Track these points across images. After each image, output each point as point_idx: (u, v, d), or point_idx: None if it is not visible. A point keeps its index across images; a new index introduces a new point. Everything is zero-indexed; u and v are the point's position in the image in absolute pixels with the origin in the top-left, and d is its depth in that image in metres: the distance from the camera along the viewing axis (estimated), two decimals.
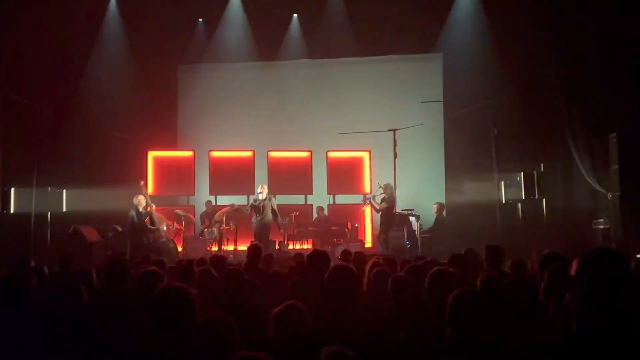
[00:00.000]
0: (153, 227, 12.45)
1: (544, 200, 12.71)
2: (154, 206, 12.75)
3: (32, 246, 11.89)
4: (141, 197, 12.50)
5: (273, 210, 12.94)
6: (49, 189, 13.00)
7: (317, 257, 5.02)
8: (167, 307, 3.18)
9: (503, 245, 6.50)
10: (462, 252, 6.73)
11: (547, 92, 13.13)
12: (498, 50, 13.40)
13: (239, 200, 14.16)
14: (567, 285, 2.25)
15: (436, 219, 13.83)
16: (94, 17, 14.25)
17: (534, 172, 12.67)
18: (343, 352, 2.73)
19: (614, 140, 11.48)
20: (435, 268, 4.40)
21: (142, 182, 13.00)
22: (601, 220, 11.93)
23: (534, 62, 13.16)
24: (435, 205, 13.90)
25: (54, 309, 3.55)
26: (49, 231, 12.80)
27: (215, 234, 13.25)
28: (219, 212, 13.49)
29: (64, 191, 13.16)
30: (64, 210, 13.12)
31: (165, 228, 13.05)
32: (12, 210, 12.33)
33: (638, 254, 6.95)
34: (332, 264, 4.61)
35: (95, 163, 13.69)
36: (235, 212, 13.19)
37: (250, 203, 13.12)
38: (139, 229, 12.32)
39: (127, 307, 4.16)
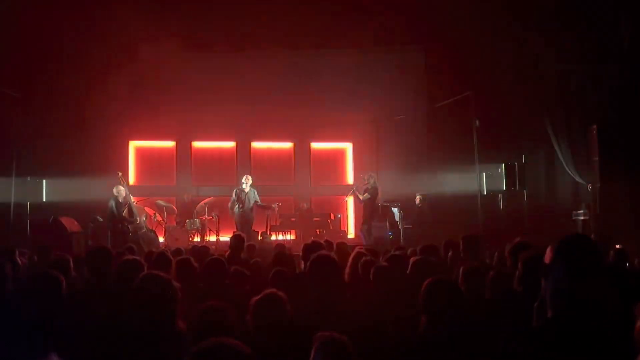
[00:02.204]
0: (132, 219, 12.35)
1: (524, 191, 12.82)
2: (132, 198, 12.66)
3: (12, 236, 11.74)
4: (121, 187, 12.39)
5: (255, 201, 12.95)
6: (29, 178, 12.85)
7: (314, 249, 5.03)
8: (148, 296, 3.16)
9: (484, 236, 6.56)
10: (434, 244, 6.79)
11: (529, 84, 13.19)
12: (480, 42, 13.43)
13: (221, 191, 14.16)
14: (541, 272, 2.26)
15: (418, 210, 13.88)
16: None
17: (515, 163, 12.78)
18: (337, 338, 2.74)
19: (594, 132, 11.59)
20: (418, 257, 4.43)
21: (120, 174, 12.87)
22: (581, 211, 12.05)
23: (516, 54, 13.22)
24: (417, 197, 13.96)
25: (32, 298, 3.51)
26: (28, 221, 12.67)
27: (198, 224, 13.21)
28: (201, 203, 13.47)
29: (44, 181, 13.00)
30: (44, 200, 12.97)
31: (145, 219, 12.98)
32: None
33: (617, 244, 7.04)
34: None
35: (75, 153, 13.51)
36: (217, 203, 13.21)
37: (234, 193, 13.06)
38: (118, 219, 12.22)
39: (107, 296, 4.13)
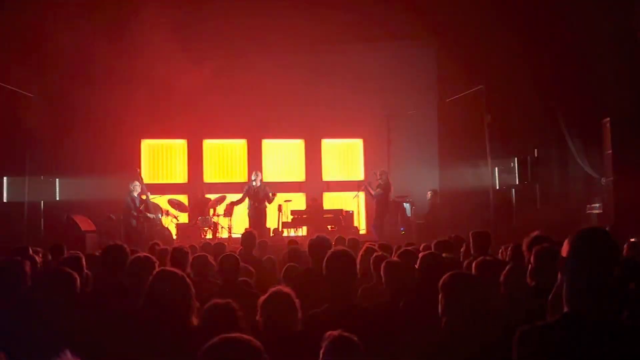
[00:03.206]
0: (149, 215, 12.46)
1: (537, 185, 12.73)
2: (149, 194, 12.78)
3: (26, 235, 11.84)
4: (137, 183, 12.51)
5: (267, 197, 12.94)
6: (42, 177, 12.94)
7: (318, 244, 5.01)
8: (162, 292, 3.17)
9: (497, 231, 6.51)
10: (447, 239, 6.76)
11: (541, 78, 13.09)
12: (492, 35, 13.34)
13: (232, 188, 14.20)
14: (558, 266, 2.23)
15: (430, 205, 13.85)
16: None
17: (528, 157, 12.68)
18: (347, 337, 2.72)
19: (607, 125, 11.49)
20: (427, 252, 4.40)
21: (139, 170, 13.05)
22: (595, 205, 11.96)
23: (528, 48, 13.12)
24: (429, 192, 13.93)
25: (47, 296, 3.53)
26: (42, 220, 12.76)
27: (210, 221, 13.26)
28: (213, 200, 13.53)
29: (57, 180, 13.09)
30: (57, 198, 13.06)
31: (160, 216, 13.05)
32: (4, 199, 12.26)
33: (632, 238, 6.97)
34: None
35: (88, 152, 13.59)
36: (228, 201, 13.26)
37: (244, 190, 13.09)
38: (134, 215, 12.34)
39: (122, 293, 4.15)
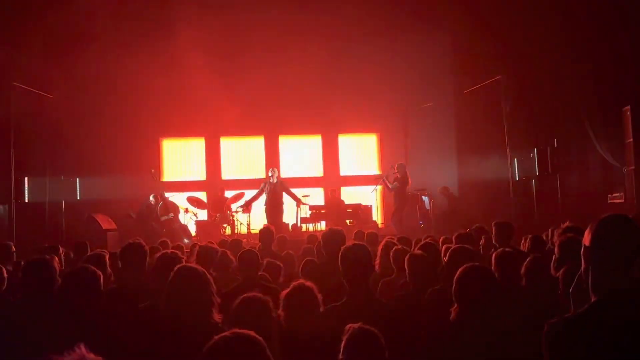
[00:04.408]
0: (162, 218, 12.69)
1: (557, 175, 12.58)
2: (165, 194, 12.99)
3: (47, 234, 11.99)
4: (154, 196, 12.98)
5: (285, 193, 12.98)
6: (62, 177, 13.08)
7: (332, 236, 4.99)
8: (183, 288, 3.19)
9: (517, 223, 6.45)
10: (468, 230, 6.73)
11: (560, 67, 12.93)
12: (509, 25, 13.20)
13: (250, 184, 14.25)
14: (583, 255, 2.18)
15: (449, 198, 13.80)
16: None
17: (548, 147, 12.53)
18: (367, 329, 2.72)
19: (628, 113, 11.32)
20: (455, 245, 4.38)
21: (153, 170, 13.16)
22: (617, 194, 11.80)
23: (546, 37, 12.96)
24: (439, 188, 13.93)
25: (71, 293, 3.57)
26: (63, 219, 12.92)
27: (229, 218, 13.34)
28: (231, 197, 13.62)
29: (77, 180, 13.22)
30: (78, 198, 13.20)
31: (178, 214, 13.17)
32: (26, 200, 12.43)
33: None
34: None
35: (107, 152, 13.73)
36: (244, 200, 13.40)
37: (261, 186, 13.14)
38: (153, 215, 12.57)
39: (144, 290, 4.19)
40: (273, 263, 5.64)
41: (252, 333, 2.03)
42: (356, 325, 2.73)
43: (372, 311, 3.33)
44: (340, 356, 2.66)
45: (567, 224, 4.76)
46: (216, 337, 2.00)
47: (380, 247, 5.70)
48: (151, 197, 12.97)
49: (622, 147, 11.65)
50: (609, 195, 12.00)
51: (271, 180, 12.93)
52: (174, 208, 13.11)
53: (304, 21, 14.00)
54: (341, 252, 3.65)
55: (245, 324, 2.23)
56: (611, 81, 12.00)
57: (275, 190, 12.87)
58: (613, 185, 12.25)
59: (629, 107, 11.31)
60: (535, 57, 13.02)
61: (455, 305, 3.17)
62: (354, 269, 3.55)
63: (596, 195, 12.52)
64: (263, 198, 13.01)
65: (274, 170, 13.10)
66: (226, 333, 2.01)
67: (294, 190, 13.35)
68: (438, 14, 14.21)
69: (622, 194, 11.64)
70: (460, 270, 3.21)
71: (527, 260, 4.33)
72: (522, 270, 4.35)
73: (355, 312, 3.15)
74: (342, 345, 2.69)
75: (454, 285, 3.19)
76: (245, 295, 3.35)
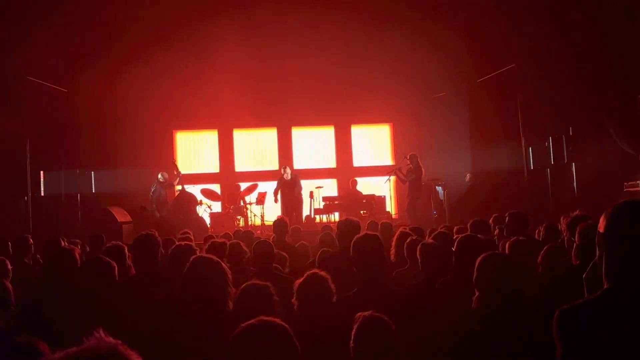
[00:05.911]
0: (185, 207, 12.82)
1: (573, 164, 12.46)
2: (182, 187, 13.11)
3: (63, 227, 12.09)
4: (165, 173, 12.94)
5: (299, 186, 13.08)
6: (77, 171, 13.18)
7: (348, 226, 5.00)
8: (199, 278, 3.20)
9: (532, 212, 6.41)
10: (481, 219, 6.70)
11: (575, 55, 12.78)
12: (522, 13, 13.05)
13: (263, 176, 14.31)
14: (597, 241, 2.16)
15: (468, 188, 13.77)
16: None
17: (563, 136, 12.41)
18: (378, 317, 2.72)
19: None
20: (464, 234, 4.36)
21: (175, 161, 13.45)
22: (633, 182, 11.68)
23: (562, 25, 12.81)
24: (468, 174, 13.88)
25: (86, 284, 3.60)
26: (79, 212, 13.03)
27: (242, 210, 13.39)
28: (245, 189, 13.67)
29: (92, 173, 13.32)
30: (93, 191, 13.29)
31: (197, 206, 13.28)
32: (42, 193, 12.54)
33: None
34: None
35: (122, 145, 13.82)
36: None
37: (277, 183, 13.29)
38: (170, 207, 12.72)
39: (158, 281, 4.21)
40: (279, 254, 5.66)
41: (278, 320, 2.04)
42: (367, 313, 2.74)
43: (382, 300, 3.35)
44: (351, 343, 2.67)
45: (576, 212, 4.73)
46: (243, 325, 2.00)
47: (395, 238, 5.70)
48: (159, 176, 12.91)
49: (638, 134, 11.52)
50: (625, 184, 11.88)
51: (285, 177, 13.08)
52: (193, 200, 13.21)
53: (316, 13, 13.92)
54: (353, 242, 3.68)
55: (246, 311, 2.24)
56: (627, 69, 11.84)
57: (289, 184, 13.02)
58: (629, 173, 12.12)
59: None
60: (549, 45, 12.87)
61: (477, 293, 3.16)
62: (365, 258, 3.58)
63: (612, 184, 12.39)
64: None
65: (286, 168, 13.32)
66: (252, 321, 2.02)
67: (307, 182, 13.43)
68: (451, 2, 14.07)
69: (638, 182, 11.52)
70: (480, 258, 3.20)
71: (545, 248, 4.31)
72: (539, 258, 4.34)
73: (366, 301, 3.16)
74: (353, 332, 2.70)
75: (475, 273, 3.18)
76: (246, 283, 3.39)
